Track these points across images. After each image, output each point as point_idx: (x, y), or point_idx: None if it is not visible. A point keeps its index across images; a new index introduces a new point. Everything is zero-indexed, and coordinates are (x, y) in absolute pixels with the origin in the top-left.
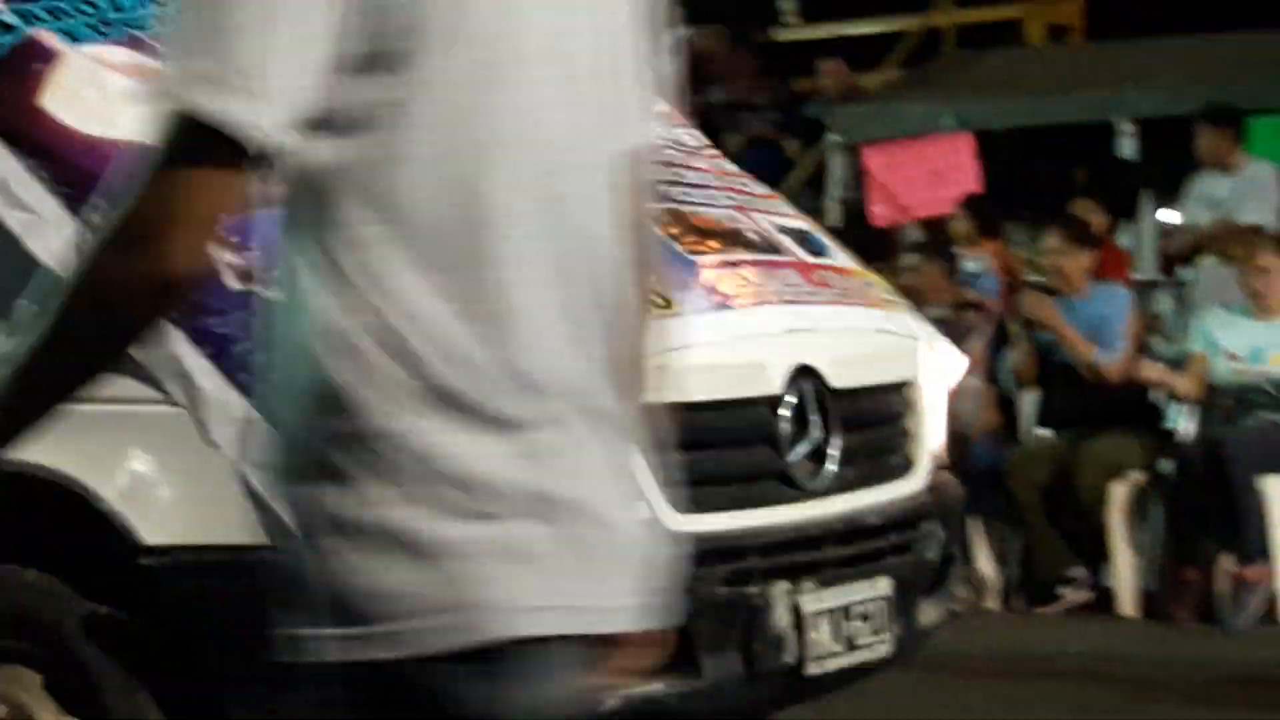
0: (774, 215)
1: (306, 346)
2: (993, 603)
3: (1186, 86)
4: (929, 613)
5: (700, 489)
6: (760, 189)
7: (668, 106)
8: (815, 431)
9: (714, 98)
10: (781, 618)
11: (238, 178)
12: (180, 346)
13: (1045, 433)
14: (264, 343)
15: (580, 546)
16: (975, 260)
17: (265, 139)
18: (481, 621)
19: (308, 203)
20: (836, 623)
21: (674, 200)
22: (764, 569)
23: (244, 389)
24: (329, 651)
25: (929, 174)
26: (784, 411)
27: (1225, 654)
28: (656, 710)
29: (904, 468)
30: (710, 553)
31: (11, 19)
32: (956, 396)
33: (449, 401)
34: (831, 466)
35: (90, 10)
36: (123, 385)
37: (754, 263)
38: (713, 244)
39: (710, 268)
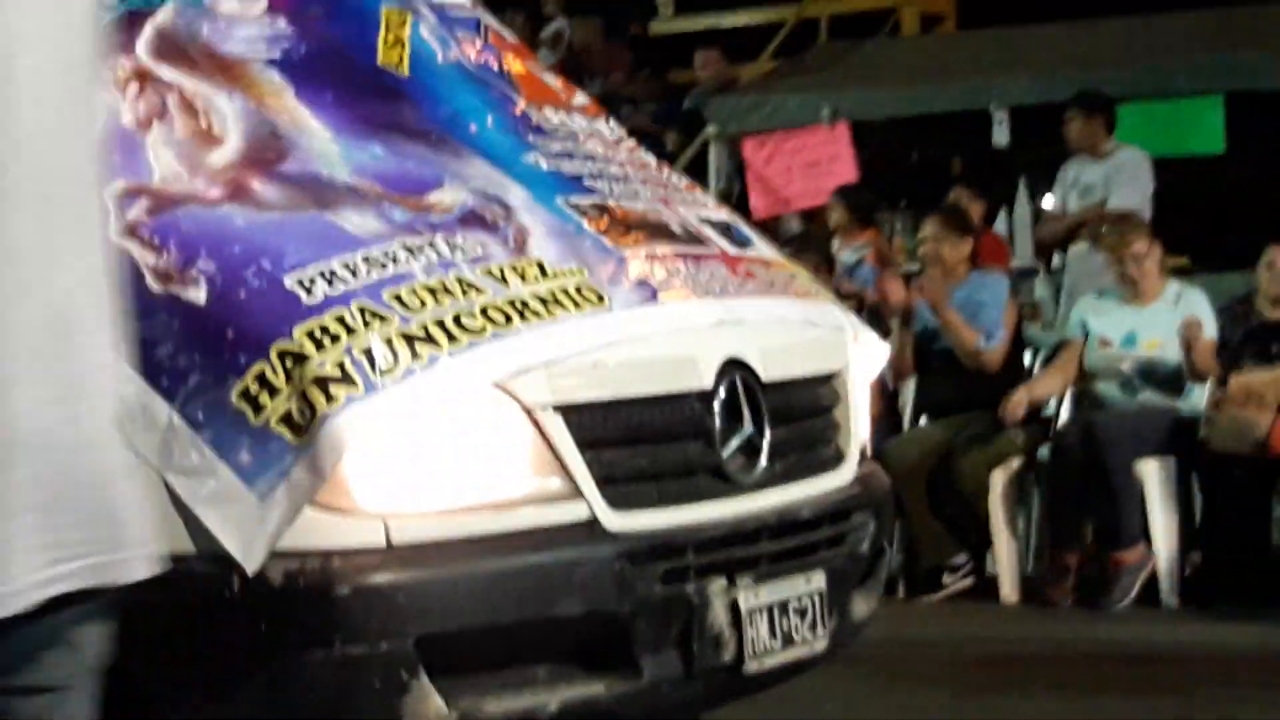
0: (697, 207)
1: None
2: None
3: (1058, 74)
4: (861, 606)
5: (634, 485)
6: (681, 181)
7: (583, 98)
8: (747, 425)
9: (592, 91)
10: (720, 615)
11: None
12: None
13: (925, 421)
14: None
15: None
16: (852, 250)
17: None
18: None
19: None
20: (774, 619)
21: (598, 193)
22: (701, 566)
23: (167, 394)
24: None
25: (807, 165)
26: (716, 405)
27: (1103, 636)
28: (596, 713)
29: (835, 460)
30: (646, 551)
31: None
32: None
33: None
34: (764, 460)
35: None
36: None
37: (680, 255)
38: (639, 237)
39: (638, 261)
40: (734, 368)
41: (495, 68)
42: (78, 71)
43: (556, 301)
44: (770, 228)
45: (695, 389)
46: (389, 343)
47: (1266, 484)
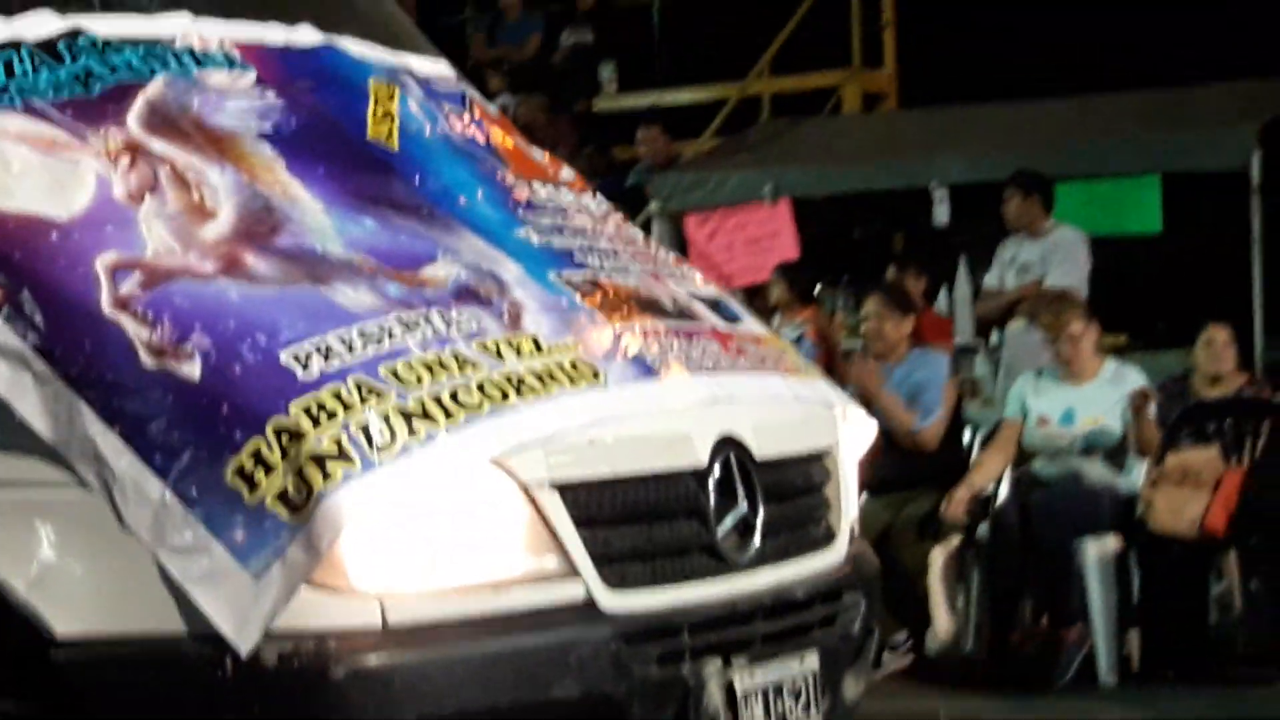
0: (686, 283)
1: None
2: None
3: (998, 153)
4: (853, 687)
5: (630, 565)
6: (668, 255)
7: (569, 173)
8: (742, 503)
9: None
10: (715, 697)
11: None
12: (92, 426)
13: (866, 498)
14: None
15: None
16: (793, 327)
17: None
18: None
19: None
20: (769, 701)
21: (589, 268)
22: (696, 647)
23: (159, 470)
24: None
25: (748, 242)
26: (711, 483)
27: (1043, 714)
28: None
29: (826, 539)
30: (643, 631)
31: None
32: None
33: None
34: (757, 539)
35: None
36: (31, 467)
37: (673, 331)
38: (631, 312)
39: (631, 336)
40: (728, 445)
41: (483, 142)
42: None
43: (552, 377)
44: None
45: (690, 466)
46: (386, 419)
47: (1203, 563)
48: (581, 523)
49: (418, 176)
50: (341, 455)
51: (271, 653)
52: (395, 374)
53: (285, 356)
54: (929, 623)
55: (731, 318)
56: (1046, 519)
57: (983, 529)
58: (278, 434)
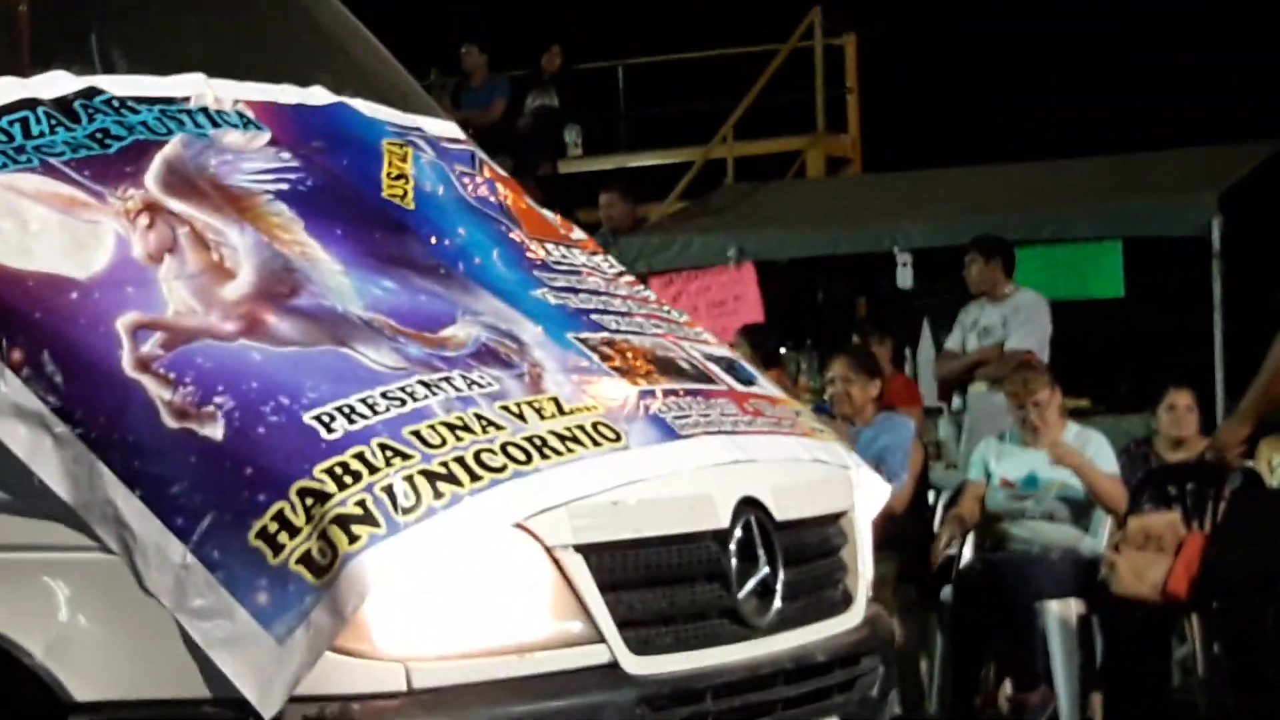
0: (700, 343)
1: None
2: None
3: (961, 218)
4: None
5: (653, 628)
6: (680, 316)
7: (580, 233)
8: (763, 566)
9: None
10: None
11: None
12: (113, 488)
13: None
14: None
15: None
16: None
17: None
18: None
19: None
20: None
21: (606, 328)
22: (719, 712)
23: (181, 533)
24: None
25: (712, 304)
26: (732, 546)
27: None
28: None
29: (844, 602)
30: (667, 696)
31: None
32: None
33: None
34: (778, 602)
35: (1, 138)
36: (50, 531)
37: (691, 392)
38: (650, 373)
39: (651, 398)
40: (749, 507)
41: (495, 201)
42: None
43: (575, 440)
44: None
45: (711, 529)
46: (410, 481)
47: (1166, 626)
48: (605, 585)
49: (434, 236)
50: (366, 518)
51: (295, 717)
52: (419, 436)
53: (308, 418)
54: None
55: (747, 379)
56: (1010, 582)
57: (946, 592)
58: (302, 496)
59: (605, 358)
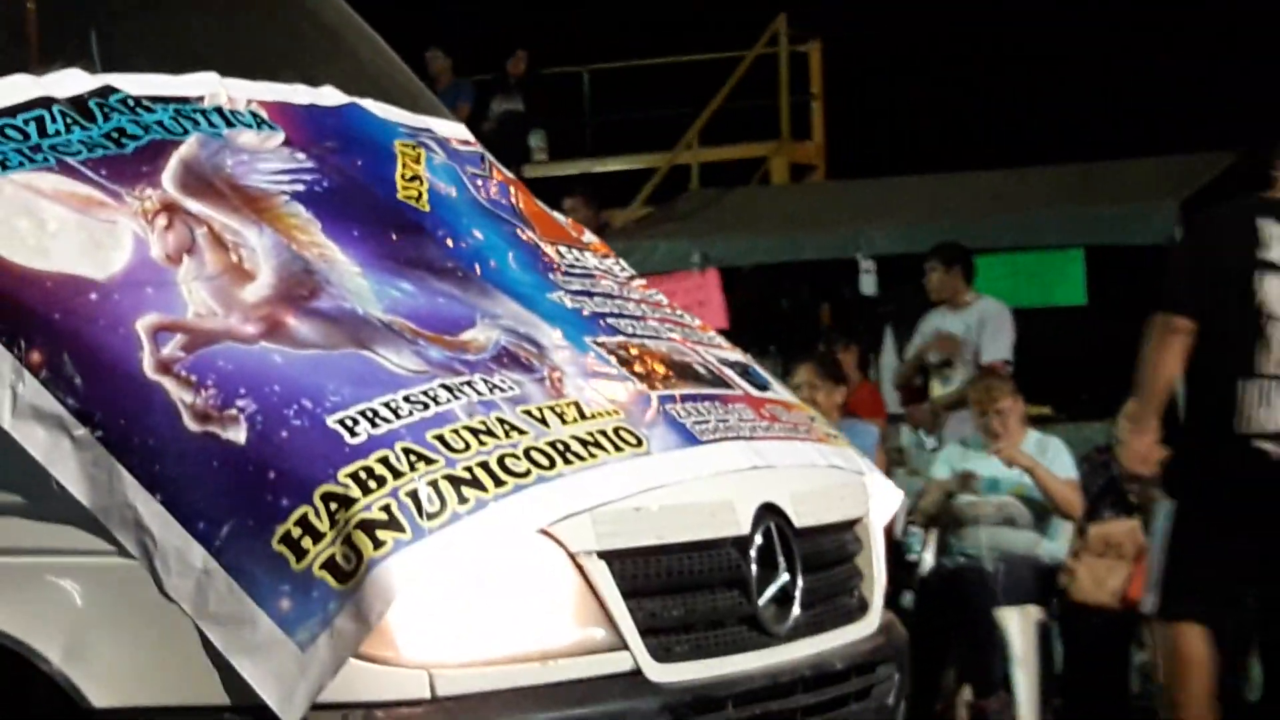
0: (714, 348)
1: None
2: None
3: (925, 225)
4: None
5: (674, 635)
6: (694, 321)
7: (591, 236)
8: (783, 573)
9: None
10: None
11: None
12: (133, 492)
13: None
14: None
15: None
16: None
17: None
18: None
19: None
20: None
21: (622, 333)
22: (740, 719)
23: (202, 538)
24: None
25: None
26: (752, 552)
27: None
28: None
29: (860, 609)
30: (689, 703)
31: None
32: None
33: None
34: (797, 610)
35: (16, 136)
36: (68, 535)
37: (709, 397)
38: (668, 378)
39: (671, 403)
40: (769, 513)
41: (506, 204)
42: None
43: (597, 444)
44: None
45: (732, 535)
46: (435, 486)
47: (1126, 633)
48: (627, 592)
49: (450, 239)
50: (392, 523)
51: None
52: (442, 440)
53: (332, 422)
54: None
55: (761, 384)
56: (970, 588)
57: (907, 597)
58: (325, 501)
59: (624, 362)
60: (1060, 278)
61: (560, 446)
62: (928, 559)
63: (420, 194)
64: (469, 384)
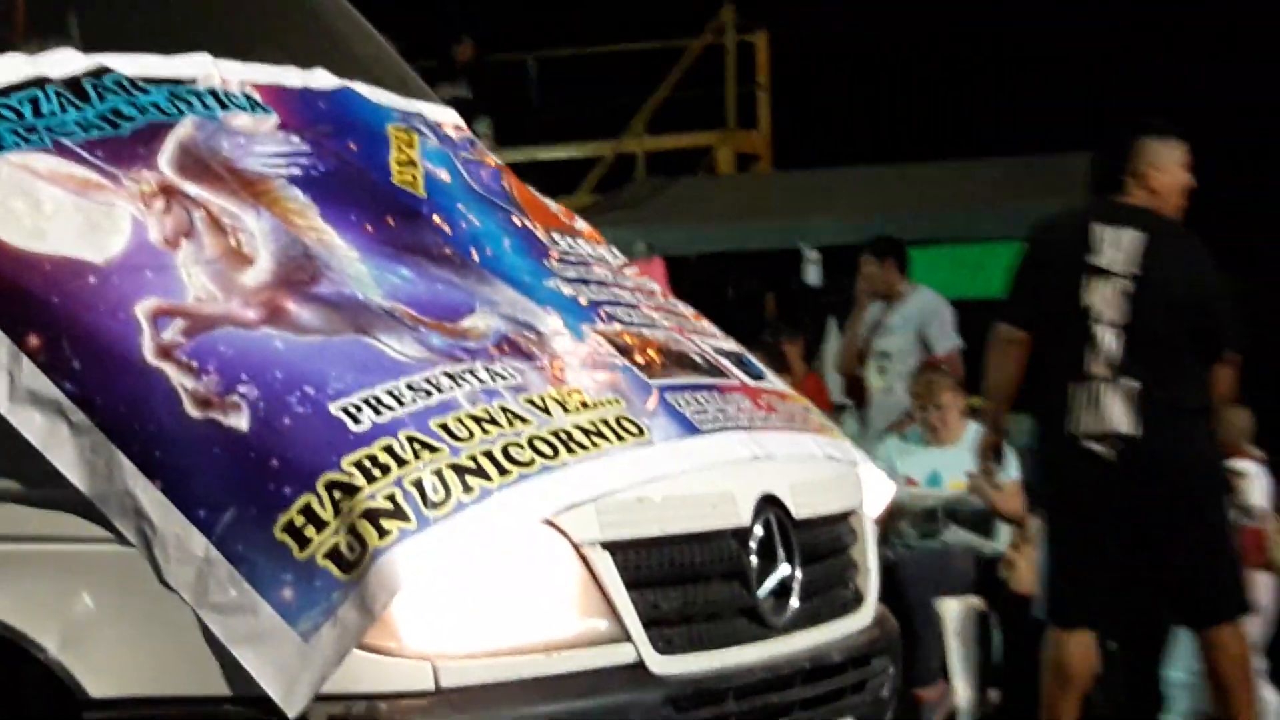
0: (708, 337)
1: None
2: None
3: (869, 215)
4: None
5: (676, 627)
6: (688, 310)
7: (583, 223)
8: (783, 564)
9: None
10: None
11: None
12: (132, 479)
13: None
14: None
15: None
16: None
17: None
18: None
19: None
20: None
21: (620, 321)
22: (741, 712)
23: (203, 526)
24: None
25: None
26: (752, 543)
27: None
28: None
29: (855, 601)
30: (691, 696)
31: None
32: None
33: None
34: (795, 602)
35: (11, 116)
36: (65, 522)
37: (707, 387)
38: (666, 367)
39: (671, 392)
40: (768, 504)
41: (500, 190)
42: None
43: (600, 434)
44: None
45: (733, 526)
46: (439, 475)
47: None
48: (630, 583)
49: (447, 224)
50: (396, 512)
51: (320, 716)
52: (446, 428)
53: (335, 409)
54: None
55: (756, 374)
56: (910, 579)
57: None
58: (329, 489)
59: (623, 351)
60: (1002, 270)
61: (563, 435)
62: None
63: (415, 179)
64: (471, 371)
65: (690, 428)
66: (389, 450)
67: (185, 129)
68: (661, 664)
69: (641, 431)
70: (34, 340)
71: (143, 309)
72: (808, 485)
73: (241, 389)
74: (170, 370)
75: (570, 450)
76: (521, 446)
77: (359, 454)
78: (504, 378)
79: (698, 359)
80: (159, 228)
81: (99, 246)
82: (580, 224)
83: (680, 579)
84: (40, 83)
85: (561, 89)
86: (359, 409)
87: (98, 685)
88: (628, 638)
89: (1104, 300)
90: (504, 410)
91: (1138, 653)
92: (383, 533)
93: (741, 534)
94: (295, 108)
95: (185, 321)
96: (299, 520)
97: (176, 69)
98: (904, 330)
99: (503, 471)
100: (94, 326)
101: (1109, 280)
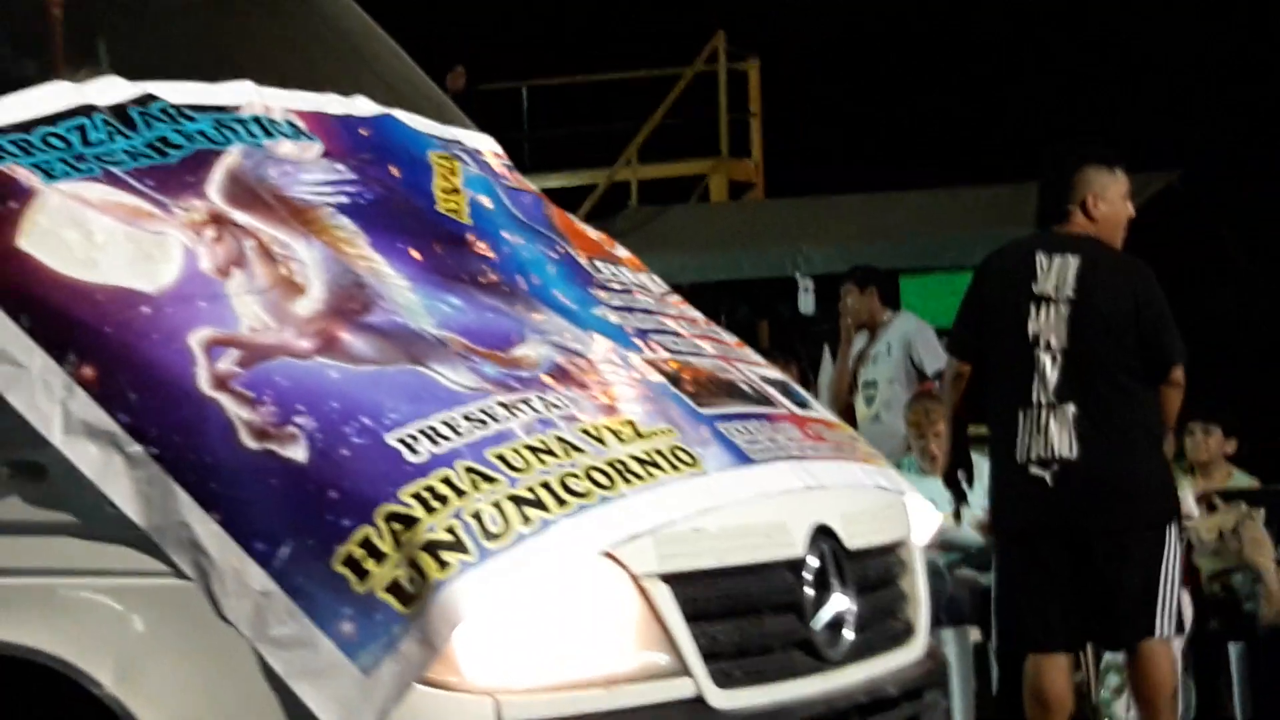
0: (753, 365)
1: None
2: None
3: (860, 243)
4: None
5: (734, 660)
6: (730, 337)
7: (623, 250)
8: (838, 596)
9: None
10: None
11: None
12: (189, 511)
13: None
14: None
15: None
16: None
17: None
18: None
19: None
20: None
21: (667, 349)
22: None
23: (261, 559)
24: None
25: None
26: (807, 575)
27: None
28: None
29: (907, 633)
30: None
31: None
32: None
33: None
34: (850, 633)
35: (60, 145)
36: (121, 555)
37: (756, 416)
38: (715, 395)
39: (721, 422)
40: (822, 535)
41: (543, 216)
42: None
43: (655, 464)
44: None
45: (787, 558)
46: (497, 505)
47: None
48: (689, 616)
49: (493, 252)
50: (457, 544)
51: None
52: (503, 459)
53: (392, 440)
54: None
55: (801, 402)
56: None
57: None
58: (388, 521)
59: (673, 380)
60: None
61: (619, 466)
62: None
63: (459, 206)
64: (525, 401)
65: (743, 457)
66: (447, 481)
67: (233, 157)
68: (721, 698)
69: (695, 461)
70: (88, 371)
71: (197, 339)
72: (859, 515)
73: (298, 420)
74: (226, 401)
75: (627, 481)
76: (578, 477)
77: (417, 485)
78: (558, 407)
79: (745, 387)
80: (210, 257)
81: (151, 276)
82: (621, 251)
83: (736, 611)
84: (87, 110)
85: (554, 117)
86: (415, 439)
87: None
88: (687, 672)
89: (1047, 326)
90: (559, 440)
91: None
92: (443, 565)
93: (796, 565)
94: (338, 135)
95: (240, 352)
96: (358, 552)
97: (220, 96)
98: (888, 359)
99: (561, 503)
100: (148, 357)
101: (1051, 305)
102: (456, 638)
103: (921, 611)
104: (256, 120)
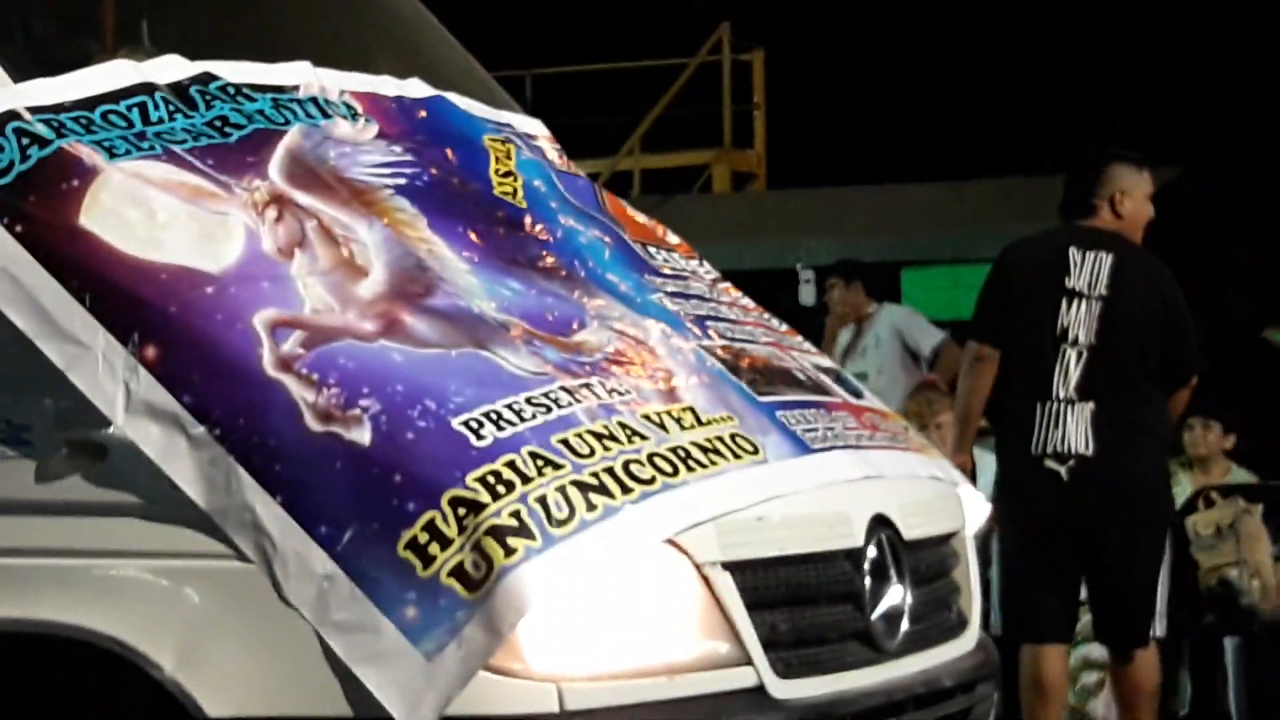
0: (807, 354)
1: None
2: None
3: (862, 236)
4: None
5: (794, 650)
6: (780, 324)
7: (674, 237)
8: (896, 586)
9: None
10: None
11: None
12: (252, 493)
13: None
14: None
15: None
16: None
17: None
18: None
19: None
20: None
21: (723, 336)
22: None
23: (325, 543)
24: None
25: None
26: (865, 565)
27: None
28: None
29: (960, 625)
30: None
31: (41, 130)
32: None
33: None
34: (906, 624)
35: (121, 123)
36: (182, 537)
37: (813, 404)
38: (772, 383)
39: (780, 410)
40: (881, 525)
41: (595, 201)
42: None
43: (717, 452)
44: None
45: (847, 547)
46: (563, 491)
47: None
48: (751, 605)
49: (550, 236)
50: (522, 530)
51: None
52: (567, 444)
53: (457, 424)
54: None
55: (855, 391)
56: None
57: None
58: (454, 505)
59: (730, 367)
60: None
61: (682, 453)
62: None
63: (515, 190)
64: (588, 386)
65: (802, 446)
66: (512, 466)
67: (293, 137)
68: (782, 688)
69: (756, 450)
70: (151, 351)
71: (261, 320)
72: (916, 505)
73: (363, 402)
74: (290, 383)
75: (690, 468)
76: (642, 464)
77: (483, 470)
78: (620, 393)
79: (800, 375)
80: (272, 237)
81: (214, 256)
82: (672, 237)
83: (796, 600)
84: (149, 89)
85: (557, 107)
86: (481, 424)
87: (215, 704)
88: (748, 661)
89: (1077, 321)
90: (622, 426)
91: None
92: (509, 551)
93: (855, 555)
94: (394, 117)
95: (304, 333)
96: (423, 537)
97: (277, 76)
98: (876, 350)
99: (625, 489)
100: (212, 337)
101: (1083, 301)
102: (520, 624)
103: (974, 603)
104: (314, 100)
